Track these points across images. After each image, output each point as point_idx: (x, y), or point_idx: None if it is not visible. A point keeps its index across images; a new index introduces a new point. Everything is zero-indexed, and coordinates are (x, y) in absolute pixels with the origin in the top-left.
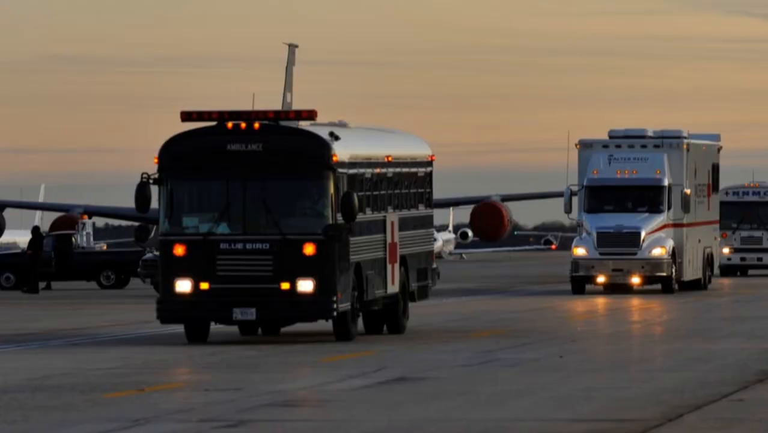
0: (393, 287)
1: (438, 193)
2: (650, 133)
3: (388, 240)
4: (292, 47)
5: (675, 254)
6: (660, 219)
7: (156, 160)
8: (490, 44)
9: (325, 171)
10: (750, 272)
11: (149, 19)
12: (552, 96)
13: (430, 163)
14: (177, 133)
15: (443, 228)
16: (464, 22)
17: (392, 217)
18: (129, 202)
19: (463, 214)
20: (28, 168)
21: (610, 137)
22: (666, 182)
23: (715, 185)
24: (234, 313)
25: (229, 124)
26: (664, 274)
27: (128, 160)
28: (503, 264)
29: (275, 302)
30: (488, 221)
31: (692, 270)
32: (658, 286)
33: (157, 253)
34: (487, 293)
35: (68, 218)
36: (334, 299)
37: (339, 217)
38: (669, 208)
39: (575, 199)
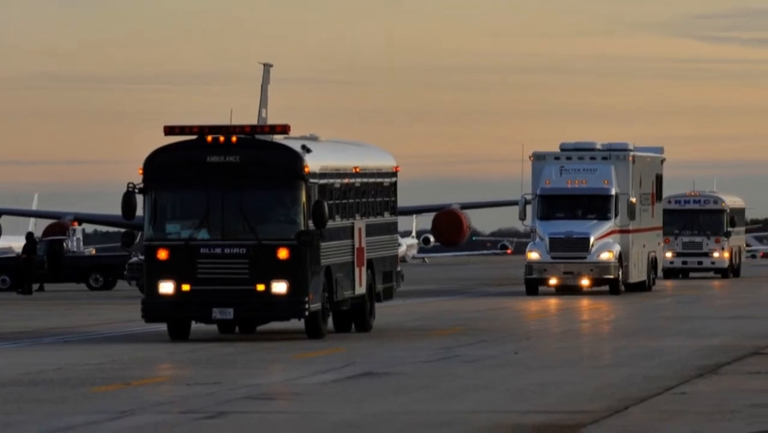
0: (360, 289)
1: (402, 202)
2: (599, 146)
3: (356, 245)
4: (267, 66)
5: (621, 258)
6: (607, 225)
7: (141, 171)
8: (452, 63)
9: (298, 181)
10: (691, 274)
11: (135, 39)
12: (508, 111)
13: (394, 174)
14: (160, 146)
15: (407, 234)
16: (427, 43)
17: (360, 223)
18: (116, 210)
19: (426, 220)
20: (22, 179)
21: (562, 150)
22: (613, 191)
23: (658, 194)
24: (213, 312)
25: (209, 138)
26: (612, 276)
27: (115, 171)
28: (462, 267)
29: (251, 303)
30: (449, 228)
31: (637, 273)
32: (606, 287)
33: (142, 257)
34: (447, 294)
35: (60, 225)
36: (306, 299)
37: (310, 223)
38: (616, 215)
39: (529, 207)
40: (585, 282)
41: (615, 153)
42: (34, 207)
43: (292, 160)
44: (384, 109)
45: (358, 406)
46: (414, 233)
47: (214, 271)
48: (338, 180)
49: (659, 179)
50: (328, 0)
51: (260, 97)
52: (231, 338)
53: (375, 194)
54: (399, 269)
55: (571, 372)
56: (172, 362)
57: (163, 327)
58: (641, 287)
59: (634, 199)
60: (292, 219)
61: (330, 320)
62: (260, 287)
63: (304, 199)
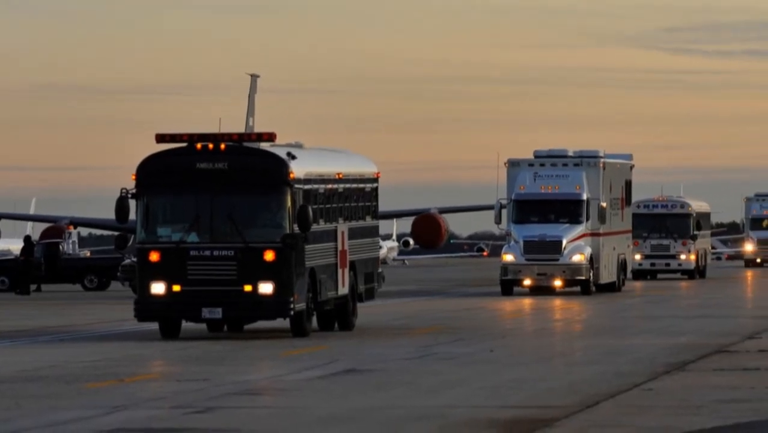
0: (343, 289)
1: (383, 206)
2: (571, 153)
3: (339, 248)
4: (254, 77)
5: (592, 260)
6: (579, 229)
7: (134, 177)
8: (430, 74)
9: (283, 187)
10: (659, 275)
11: (128, 52)
12: (484, 120)
13: (375, 180)
14: (152, 153)
15: (388, 237)
16: (408, 55)
17: (342, 227)
18: (110, 214)
19: (405, 224)
20: (20, 184)
21: (535, 157)
22: (584, 196)
23: (628, 199)
24: (203, 312)
25: (198, 145)
26: (583, 277)
27: (109, 177)
28: (441, 269)
29: (239, 303)
30: (427, 231)
31: (608, 274)
32: (578, 288)
33: (134, 259)
34: (426, 295)
35: (56, 228)
36: (292, 299)
37: (295, 227)
38: (587, 219)
39: (504, 212)
40: (558, 283)
41: (586, 160)
42: (31, 211)
43: (278, 166)
44: (366, 118)
45: (341, 401)
46: (394, 236)
47: (204, 272)
48: (322, 185)
49: (628, 185)
50: (313, 14)
51: (247, 107)
52: (219, 337)
53: (357, 199)
54: (380, 270)
55: (544, 369)
56: (163, 359)
57: (154, 326)
58: (611, 288)
59: (604, 204)
60: (278, 223)
61: (314, 319)
62: (247, 288)
63: (289, 203)
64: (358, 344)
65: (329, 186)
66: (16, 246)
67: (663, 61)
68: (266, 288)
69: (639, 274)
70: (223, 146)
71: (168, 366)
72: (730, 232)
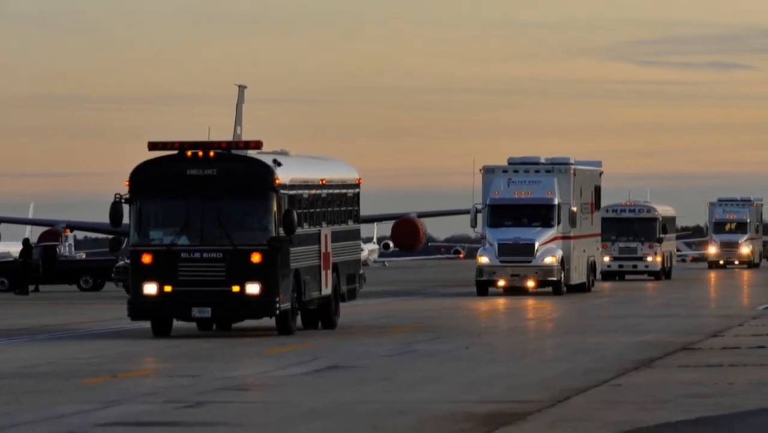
0: (326, 290)
1: (364, 210)
2: (543, 160)
3: (322, 250)
4: (241, 88)
5: (563, 262)
6: (551, 232)
7: (127, 183)
8: (410, 85)
9: (269, 192)
10: (627, 276)
11: (121, 63)
12: (460, 128)
13: (357, 185)
14: (145, 159)
15: (369, 240)
16: (389, 66)
17: (326, 230)
18: (104, 218)
19: (386, 228)
20: (19, 189)
21: (509, 163)
22: (556, 201)
23: (597, 204)
24: (193, 311)
25: (189, 153)
26: (555, 278)
27: (103, 183)
28: (419, 270)
29: (227, 303)
30: (406, 234)
31: (578, 275)
32: (550, 289)
33: (128, 261)
34: (405, 295)
35: (53, 231)
36: (277, 299)
37: (281, 231)
38: (558, 223)
39: (480, 216)
40: (530, 284)
41: (557, 166)
42: (30, 215)
43: (265, 173)
44: (348, 126)
45: (324, 396)
46: (375, 239)
47: (194, 273)
48: (306, 191)
49: (598, 190)
50: (298, 27)
51: (235, 116)
52: (209, 335)
53: (340, 204)
54: (361, 271)
55: (518, 365)
56: (155, 356)
57: (147, 325)
58: (581, 288)
59: (575, 209)
60: (265, 226)
61: (299, 318)
62: (235, 288)
63: (275, 208)
64: (340, 341)
65: (313, 191)
66: (15, 248)
67: (631, 72)
68: (253, 289)
69: (608, 275)
70: (212, 154)
71: (160, 363)
72: (695, 235)
